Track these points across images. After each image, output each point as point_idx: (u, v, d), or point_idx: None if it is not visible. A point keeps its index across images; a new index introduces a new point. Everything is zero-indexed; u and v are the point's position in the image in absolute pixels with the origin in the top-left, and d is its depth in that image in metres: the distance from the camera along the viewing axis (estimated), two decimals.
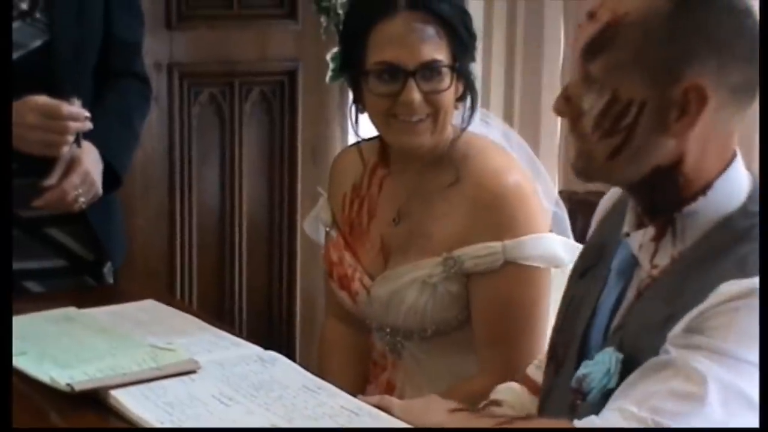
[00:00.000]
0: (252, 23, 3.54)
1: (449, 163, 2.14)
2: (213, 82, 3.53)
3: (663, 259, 1.54)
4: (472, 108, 2.14)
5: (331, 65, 3.45)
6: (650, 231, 1.55)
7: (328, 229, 2.32)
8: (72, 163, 2.29)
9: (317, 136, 3.63)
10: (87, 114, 2.27)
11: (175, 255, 3.50)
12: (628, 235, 1.59)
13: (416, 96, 2.05)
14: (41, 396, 1.80)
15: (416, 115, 2.07)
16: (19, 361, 1.89)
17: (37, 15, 2.35)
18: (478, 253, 2.07)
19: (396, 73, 2.06)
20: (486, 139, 2.19)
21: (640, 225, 1.58)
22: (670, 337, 1.45)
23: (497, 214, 2.07)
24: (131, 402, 1.76)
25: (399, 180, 2.21)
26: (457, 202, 2.11)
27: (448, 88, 2.06)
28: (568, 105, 1.54)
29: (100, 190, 2.34)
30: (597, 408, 1.48)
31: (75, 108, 2.25)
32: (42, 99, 2.23)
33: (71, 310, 2.22)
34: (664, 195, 1.53)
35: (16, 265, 2.19)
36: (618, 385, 1.48)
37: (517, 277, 2.06)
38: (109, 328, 2.12)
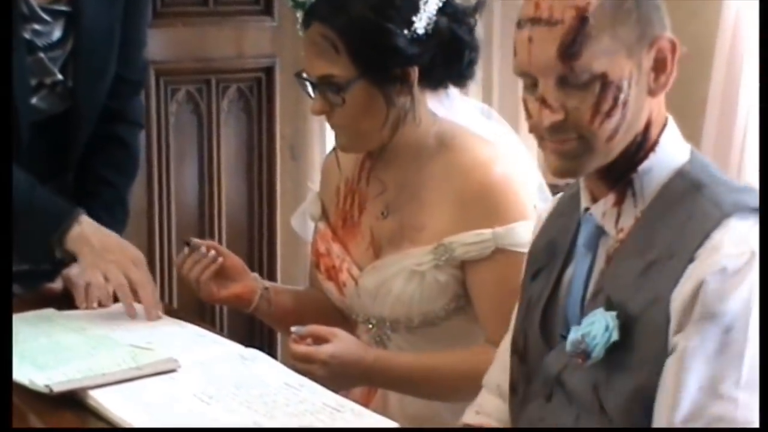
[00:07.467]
0: (228, 20, 3.53)
1: (433, 154, 2.14)
2: (190, 80, 3.52)
3: (627, 221, 1.59)
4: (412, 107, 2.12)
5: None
6: (610, 198, 1.61)
7: (316, 222, 2.32)
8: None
9: (295, 132, 3.62)
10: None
11: (153, 253, 3.48)
12: (587, 209, 1.64)
13: (316, 107, 2.10)
14: (19, 397, 1.79)
15: (332, 124, 2.12)
16: None
17: (69, 83, 2.37)
18: (469, 240, 2.07)
19: (309, 83, 2.11)
20: (468, 130, 2.18)
21: (595, 199, 1.63)
22: (675, 322, 1.48)
23: (486, 204, 2.08)
24: (111, 402, 1.75)
25: (386, 173, 2.21)
26: (446, 194, 2.11)
27: (343, 103, 2.06)
28: (553, 113, 1.55)
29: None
30: (601, 364, 1.53)
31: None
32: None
33: (50, 311, 2.21)
34: (626, 160, 1.59)
35: None
36: (620, 338, 1.51)
37: (508, 263, 2.06)
38: (88, 329, 2.11)
